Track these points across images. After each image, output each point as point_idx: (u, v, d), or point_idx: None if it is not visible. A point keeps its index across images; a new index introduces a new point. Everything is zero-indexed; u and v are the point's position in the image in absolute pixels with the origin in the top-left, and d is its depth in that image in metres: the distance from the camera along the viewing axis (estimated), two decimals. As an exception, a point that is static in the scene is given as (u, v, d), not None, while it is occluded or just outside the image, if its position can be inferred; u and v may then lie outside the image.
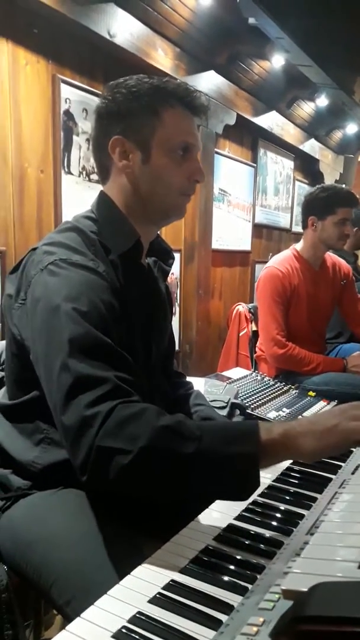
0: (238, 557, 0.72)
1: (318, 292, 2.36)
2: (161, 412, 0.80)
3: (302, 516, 0.82)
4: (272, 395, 1.93)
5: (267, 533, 0.78)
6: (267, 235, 4.43)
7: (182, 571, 0.69)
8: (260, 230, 4.28)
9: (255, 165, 4.03)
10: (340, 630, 0.35)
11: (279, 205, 4.52)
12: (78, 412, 0.78)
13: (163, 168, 1.02)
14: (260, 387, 2.00)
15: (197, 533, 0.79)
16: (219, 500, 0.85)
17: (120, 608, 0.62)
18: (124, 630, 0.59)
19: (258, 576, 0.67)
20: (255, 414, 1.71)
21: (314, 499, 0.87)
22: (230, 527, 0.80)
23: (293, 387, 2.06)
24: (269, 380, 2.13)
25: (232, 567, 0.70)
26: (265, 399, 1.88)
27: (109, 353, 0.85)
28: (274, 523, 0.81)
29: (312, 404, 1.91)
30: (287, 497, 0.89)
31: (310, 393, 2.00)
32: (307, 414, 1.81)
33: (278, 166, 4.43)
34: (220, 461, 0.75)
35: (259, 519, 0.82)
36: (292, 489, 0.92)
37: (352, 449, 0.99)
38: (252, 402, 1.82)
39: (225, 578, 0.67)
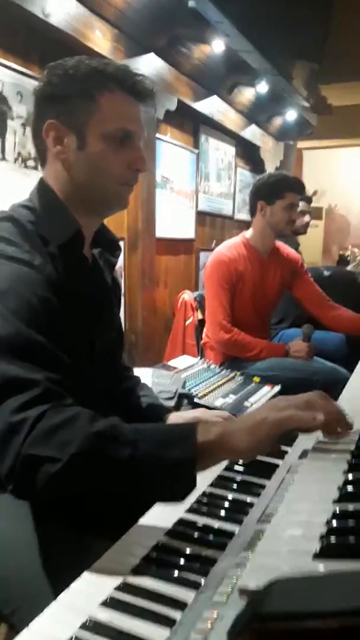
0: (190, 551, 0.71)
1: (265, 280, 2.38)
2: (94, 417, 0.76)
3: (251, 504, 0.82)
4: (218, 383, 1.95)
5: (218, 524, 0.77)
6: (211, 223, 4.45)
7: (134, 571, 0.68)
8: (203, 218, 4.29)
9: (197, 151, 4.02)
10: (299, 626, 0.35)
11: (221, 192, 4.54)
12: (4, 417, 0.74)
13: (99, 155, 0.98)
14: (206, 375, 2.01)
15: (148, 529, 0.77)
16: (154, 502, 0.82)
17: (70, 615, 0.60)
18: None
19: (210, 568, 0.67)
20: (202, 402, 1.72)
21: (263, 486, 0.88)
22: (181, 521, 0.79)
23: (238, 373, 2.08)
24: (215, 367, 2.15)
25: (184, 562, 0.69)
26: (211, 387, 1.90)
27: (41, 353, 0.81)
28: (224, 513, 0.80)
29: (257, 389, 1.95)
30: (235, 486, 0.89)
31: (255, 379, 2.03)
32: (252, 399, 1.84)
33: (220, 152, 4.44)
34: (155, 466, 0.73)
35: (209, 510, 0.81)
36: (240, 477, 0.92)
37: (284, 446, 0.99)
38: (199, 390, 1.83)
39: (178, 574, 0.66)
